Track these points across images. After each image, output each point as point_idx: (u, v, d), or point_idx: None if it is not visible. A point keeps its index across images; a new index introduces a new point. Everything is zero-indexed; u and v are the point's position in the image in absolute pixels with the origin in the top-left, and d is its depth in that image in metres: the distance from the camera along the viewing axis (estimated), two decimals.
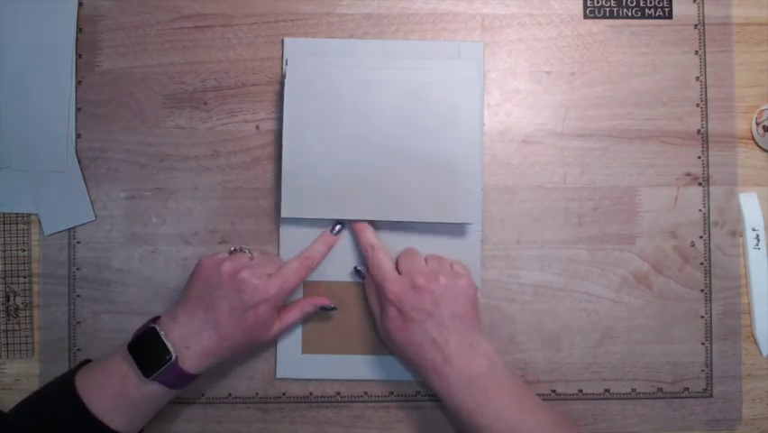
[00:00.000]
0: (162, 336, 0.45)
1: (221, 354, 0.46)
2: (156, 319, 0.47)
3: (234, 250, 0.51)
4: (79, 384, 0.44)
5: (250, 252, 0.51)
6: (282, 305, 0.50)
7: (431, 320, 0.46)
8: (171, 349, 0.44)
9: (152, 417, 0.47)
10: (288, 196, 0.52)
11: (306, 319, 0.52)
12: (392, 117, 0.53)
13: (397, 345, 0.48)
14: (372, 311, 0.51)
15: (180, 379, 0.45)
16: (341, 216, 0.52)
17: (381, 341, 0.52)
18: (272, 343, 0.52)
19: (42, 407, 0.44)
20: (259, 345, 0.50)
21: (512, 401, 0.45)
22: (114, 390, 0.44)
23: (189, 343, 0.45)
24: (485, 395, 0.45)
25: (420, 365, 0.47)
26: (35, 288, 0.53)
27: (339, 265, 0.53)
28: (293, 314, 0.51)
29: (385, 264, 0.49)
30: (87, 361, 0.48)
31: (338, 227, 0.52)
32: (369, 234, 0.51)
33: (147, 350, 0.45)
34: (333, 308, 0.52)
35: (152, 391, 0.45)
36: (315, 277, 0.53)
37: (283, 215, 0.51)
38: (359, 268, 0.52)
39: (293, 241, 0.53)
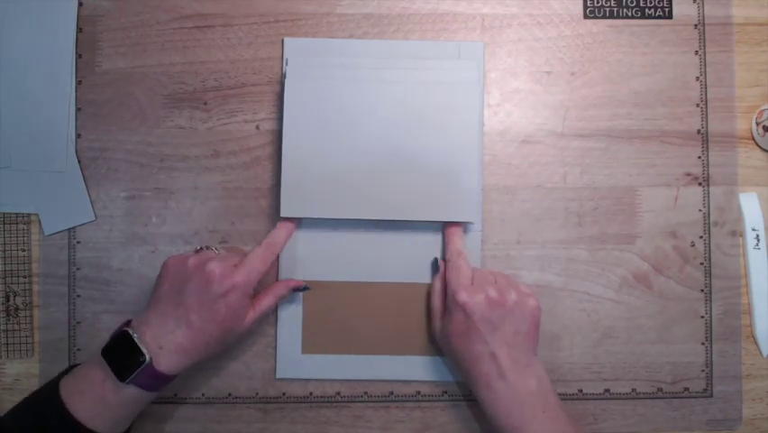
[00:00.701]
0: (135, 339, 0.44)
1: (196, 351, 0.45)
2: (128, 323, 0.46)
3: (200, 249, 0.51)
4: (63, 391, 0.44)
5: (216, 249, 0.52)
6: (252, 293, 0.48)
7: (495, 334, 0.47)
8: (145, 351, 0.44)
9: (135, 417, 0.47)
10: (287, 195, 0.51)
11: (279, 303, 0.52)
12: (392, 117, 0.53)
13: (455, 350, 0.48)
14: (433, 312, 0.51)
15: (157, 380, 0.45)
16: (340, 215, 0.52)
17: (434, 341, 0.52)
18: (248, 334, 0.51)
19: (30, 413, 0.45)
20: (234, 338, 0.49)
21: (557, 426, 0.46)
22: (93, 395, 0.44)
23: (162, 343, 0.45)
24: (532, 415, 0.45)
25: (473, 375, 0.47)
26: (35, 288, 0.53)
27: (339, 265, 0.53)
28: (266, 300, 0.50)
29: (465, 271, 0.49)
30: (75, 366, 0.47)
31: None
32: (459, 241, 0.52)
33: (121, 354, 0.44)
34: (305, 288, 0.52)
35: (130, 394, 0.44)
36: (314, 277, 0.53)
37: (282, 214, 0.51)
38: (438, 261, 0.52)
39: (292, 241, 0.53)
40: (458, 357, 0.48)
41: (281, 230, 0.51)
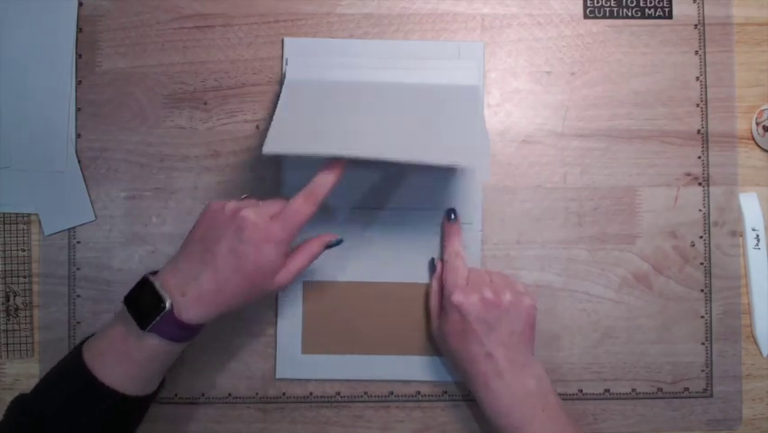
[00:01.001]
0: (157, 286, 0.42)
1: (220, 302, 0.43)
2: (155, 272, 0.44)
3: (246, 196, 0.48)
4: (86, 354, 0.43)
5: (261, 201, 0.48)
6: (288, 250, 0.45)
7: (491, 334, 0.47)
8: (165, 297, 0.41)
9: (163, 374, 0.45)
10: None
11: (313, 260, 0.48)
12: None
13: (452, 350, 0.48)
14: (431, 312, 0.51)
15: (180, 330, 0.42)
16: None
17: (433, 341, 0.52)
18: (277, 292, 0.48)
19: (54, 383, 0.44)
20: (263, 295, 0.45)
21: (557, 426, 0.46)
22: (116, 353, 0.42)
23: (186, 290, 0.42)
24: (531, 415, 0.45)
25: (471, 376, 0.47)
26: (35, 288, 0.53)
27: (339, 265, 0.53)
28: (300, 258, 0.46)
29: (462, 272, 0.49)
30: (92, 335, 0.46)
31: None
32: (457, 241, 0.52)
33: (142, 302, 0.42)
34: (339, 241, 0.49)
35: (154, 347, 0.42)
36: (315, 277, 0.53)
37: (265, 150, 0.45)
38: (435, 262, 0.52)
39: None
40: (455, 357, 0.49)
41: (327, 174, 0.45)
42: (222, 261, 0.42)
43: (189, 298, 0.42)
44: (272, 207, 0.45)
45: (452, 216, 0.52)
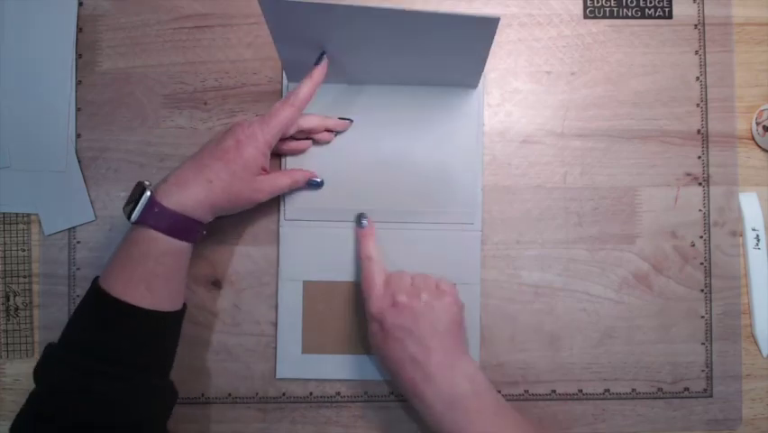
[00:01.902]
0: (145, 184, 0.44)
1: (197, 185, 0.44)
2: None
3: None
4: (102, 282, 0.44)
5: None
6: (268, 150, 0.47)
7: (411, 338, 0.46)
8: (147, 184, 0.44)
9: (180, 290, 0.46)
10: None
11: (292, 189, 0.52)
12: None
13: (380, 358, 0.48)
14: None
15: (167, 218, 0.43)
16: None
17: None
18: (259, 201, 0.49)
19: (80, 318, 0.45)
20: (243, 193, 0.47)
21: (494, 425, 0.44)
22: (122, 263, 0.44)
23: (169, 178, 0.45)
24: (466, 419, 0.44)
25: (401, 383, 0.47)
26: (35, 288, 0.53)
27: (339, 265, 0.53)
28: (282, 177, 0.50)
29: (375, 279, 0.49)
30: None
31: (322, 56, 0.49)
32: (370, 245, 0.51)
33: (131, 200, 0.44)
34: (320, 183, 0.52)
35: (153, 243, 0.43)
36: (314, 277, 0.53)
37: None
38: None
39: (293, 241, 0.53)
40: (384, 365, 0.48)
41: (305, 85, 0.48)
42: (206, 152, 0.46)
43: (169, 183, 0.44)
44: (278, 109, 0.48)
45: (363, 222, 0.52)
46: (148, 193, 0.43)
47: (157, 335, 0.45)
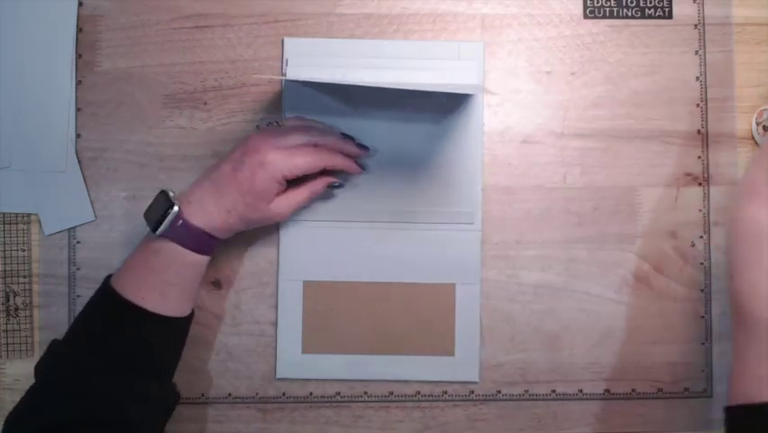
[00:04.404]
0: (170, 195, 0.45)
1: (217, 213, 0.46)
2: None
3: (270, 123, 0.53)
4: (114, 282, 0.45)
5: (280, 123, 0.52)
6: (282, 180, 0.48)
7: None
8: (175, 202, 0.45)
9: (191, 297, 0.47)
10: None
11: (312, 199, 0.51)
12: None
13: None
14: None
15: (191, 235, 0.45)
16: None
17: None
18: (279, 220, 0.50)
19: (89, 315, 0.46)
20: (261, 217, 0.48)
21: None
22: (139, 268, 0.45)
23: (191, 199, 0.46)
24: None
25: None
26: (35, 288, 0.53)
27: (339, 265, 0.53)
28: (300, 192, 0.50)
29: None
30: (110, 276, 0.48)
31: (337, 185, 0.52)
32: None
33: (155, 209, 0.45)
34: (341, 185, 0.52)
35: (171, 254, 0.45)
36: (315, 277, 0.53)
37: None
38: None
39: (293, 241, 0.53)
40: None
41: (332, 136, 0.51)
42: (224, 178, 0.46)
43: (193, 205, 0.46)
44: (290, 137, 0.48)
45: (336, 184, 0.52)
46: (176, 209, 0.44)
47: (163, 339, 0.46)
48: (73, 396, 0.42)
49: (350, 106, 0.53)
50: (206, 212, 0.46)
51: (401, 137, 0.53)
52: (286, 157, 0.47)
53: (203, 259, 0.47)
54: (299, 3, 0.55)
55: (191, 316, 0.48)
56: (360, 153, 0.52)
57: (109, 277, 0.47)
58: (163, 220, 0.44)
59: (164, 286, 0.45)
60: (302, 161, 0.47)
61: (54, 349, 0.45)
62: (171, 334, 0.47)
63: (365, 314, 0.53)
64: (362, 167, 0.52)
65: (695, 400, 0.54)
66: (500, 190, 0.54)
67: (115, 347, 0.44)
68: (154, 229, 0.44)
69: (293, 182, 0.49)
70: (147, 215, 0.46)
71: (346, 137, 0.52)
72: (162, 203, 0.45)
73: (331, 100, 0.53)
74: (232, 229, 0.48)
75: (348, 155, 0.51)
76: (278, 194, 0.48)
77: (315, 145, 0.49)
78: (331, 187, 0.52)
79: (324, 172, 0.50)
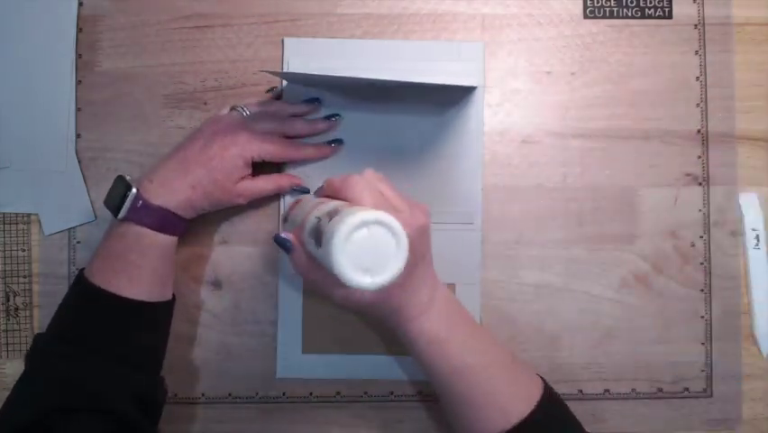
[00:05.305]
0: (127, 179, 0.45)
1: (181, 189, 0.46)
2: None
3: (234, 107, 0.51)
4: (87, 273, 0.45)
5: (243, 108, 0.51)
6: (249, 160, 0.48)
7: None
8: (132, 184, 0.45)
9: (167, 281, 0.47)
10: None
11: (277, 193, 0.52)
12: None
13: None
14: None
15: (153, 215, 0.45)
16: None
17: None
18: (241, 203, 0.49)
19: (67, 308, 0.46)
20: (224, 196, 0.48)
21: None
22: (106, 255, 0.45)
23: (153, 177, 0.46)
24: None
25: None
26: (35, 288, 0.53)
27: None
28: (265, 181, 0.50)
29: None
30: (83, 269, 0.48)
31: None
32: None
33: (114, 193, 0.45)
34: (306, 191, 0.52)
35: (136, 238, 0.44)
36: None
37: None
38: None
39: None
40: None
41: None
42: (193, 153, 0.46)
43: (155, 183, 0.45)
44: (260, 122, 0.49)
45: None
46: (134, 191, 0.44)
47: (137, 325, 0.45)
48: (56, 384, 0.42)
49: (350, 107, 0.53)
50: (170, 189, 0.45)
51: (401, 137, 0.53)
52: (257, 140, 0.48)
53: (169, 239, 0.46)
54: (299, 3, 0.55)
55: (171, 302, 0.48)
56: (328, 126, 0.52)
57: (83, 269, 0.46)
58: (123, 204, 0.44)
59: (131, 269, 0.44)
60: (272, 148, 0.48)
61: (36, 339, 0.45)
62: (145, 319, 0.46)
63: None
64: (339, 141, 0.52)
65: (695, 400, 0.54)
66: (500, 190, 0.54)
67: (86, 333, 0.44)
68: (116, 214, 0.44)
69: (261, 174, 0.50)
70: (107, 201, 0.46)
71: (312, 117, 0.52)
72: (120, 187, 0.45)
73: (331, 101, 0.53)
74: (195, 207, 0.47)
75: (320, 133, 0.52)
76: (243, 178, 0.48)
77: (287, 136, 0.50)
78: (295, 191, 0.52)
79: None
